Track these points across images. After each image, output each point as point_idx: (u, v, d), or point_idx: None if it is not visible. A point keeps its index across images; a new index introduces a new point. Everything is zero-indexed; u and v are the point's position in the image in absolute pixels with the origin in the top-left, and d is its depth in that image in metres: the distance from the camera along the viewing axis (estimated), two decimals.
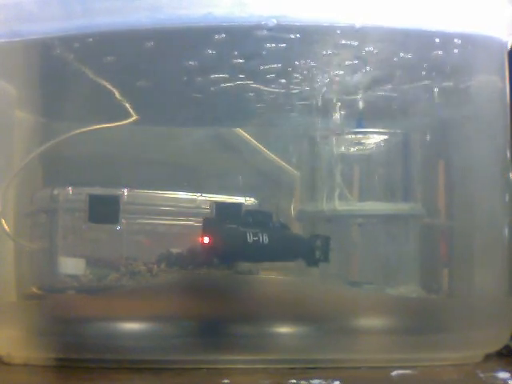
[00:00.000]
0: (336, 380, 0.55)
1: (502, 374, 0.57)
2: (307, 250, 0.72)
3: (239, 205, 0.75)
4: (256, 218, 0.70)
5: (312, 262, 0.72)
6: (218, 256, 0.67)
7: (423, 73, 0.69)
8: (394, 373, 0.58)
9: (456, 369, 0.60)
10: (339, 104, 0.72)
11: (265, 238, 0.68)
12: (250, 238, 0.67)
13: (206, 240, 0.67)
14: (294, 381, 0.55)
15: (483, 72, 0.67)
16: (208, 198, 0.75)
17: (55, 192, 0.71)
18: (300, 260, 0.72)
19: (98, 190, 0.71)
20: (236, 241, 0.68)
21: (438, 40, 0.63)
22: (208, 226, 0.68)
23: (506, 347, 0.64)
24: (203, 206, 0.74)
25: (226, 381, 0.55)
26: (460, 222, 0.72)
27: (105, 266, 0.70)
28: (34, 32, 0.60)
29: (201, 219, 0.70)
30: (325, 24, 0.59)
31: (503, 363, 0.62)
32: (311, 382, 0.54)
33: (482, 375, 0.58)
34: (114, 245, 0.73)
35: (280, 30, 0.59)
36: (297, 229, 0.76)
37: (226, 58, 0.64)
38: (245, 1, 0.56)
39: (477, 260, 0.67)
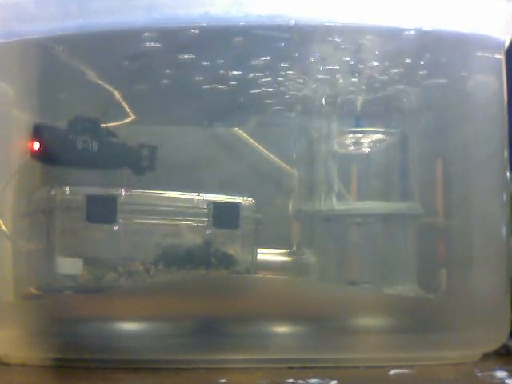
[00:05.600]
0: (334, 379, 0.55)
1: (500, 373, 0.57)
2: (133, 158, 0.73)
3: None
4: (84, 125, 0.70)
5: (138, 170, 0.73)
6: (47, 161, 0.69)
7: (420, 72, 0.69)
8: (392, 372, 0.58)
9: (454, 368, 0.60)
10: (337, 103, 0.72)
11: (93, 145, 0.69)
12: (80, 145, 0.68)
13: (36, 146, 0.68)
14: (292, 380, 0.55)
15: (480, 71, 0.67)
16: (206, 198, 0.75)
17: (52, 192, 0.71)
18: (127, 168, 0.73)
19: (95, 190, 0.71)
20: (64, 146, 0.69)
21: (435, 39, 0.63)
22: (37, 131, 0.68)
23: (504, 346, 0.64)
24: (201, 206, 0.74)
25: (223, 380, 0.55)
26: (458, 221, 0.72)
27: (102, 265, 0.70)
28: (32, 32, 0.60)
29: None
30: (322, 23, 0.59)
31: (501, 362, 0.62)
32: (309, 381, 0.54)
33: (479, 374, 0.58)
34: (111, 245, 0.73)
35: (277, 30, 0.59)
36: (126, 139, 0.75)
37: (223, 58, 0.64)
38: (241, 0, 0.56)
39: (475, 259, 0.67)
